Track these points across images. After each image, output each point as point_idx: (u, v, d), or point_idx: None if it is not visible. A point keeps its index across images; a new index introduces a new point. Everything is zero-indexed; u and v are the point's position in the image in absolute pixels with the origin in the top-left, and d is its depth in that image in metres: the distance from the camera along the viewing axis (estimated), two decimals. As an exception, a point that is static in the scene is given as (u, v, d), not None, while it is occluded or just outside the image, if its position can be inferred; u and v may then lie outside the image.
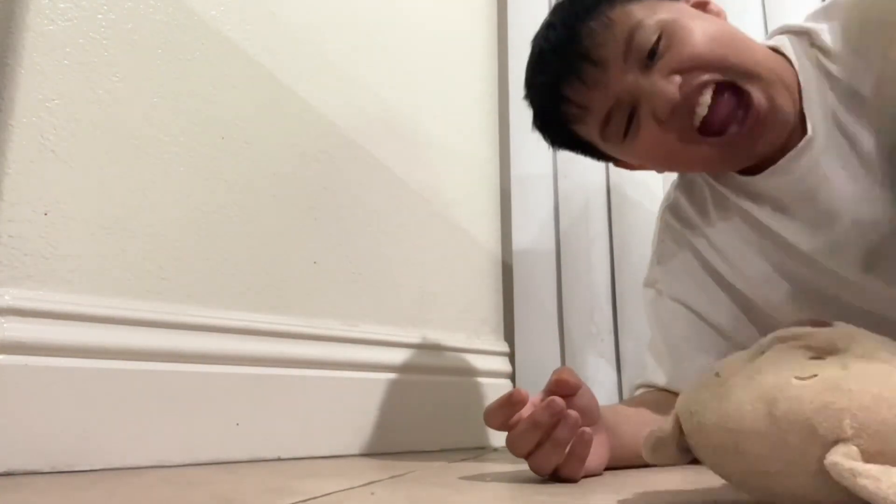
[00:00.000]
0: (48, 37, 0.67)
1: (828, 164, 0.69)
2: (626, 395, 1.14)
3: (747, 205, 0.76)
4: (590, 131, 0.74)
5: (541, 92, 0.77)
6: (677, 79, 0.65)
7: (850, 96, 0.67)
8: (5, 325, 0.59)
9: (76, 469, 0.61)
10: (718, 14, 0.73)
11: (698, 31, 0.67)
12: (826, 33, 0.69)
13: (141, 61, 0.75)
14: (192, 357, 0.73)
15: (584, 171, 1.26)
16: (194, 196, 0.78)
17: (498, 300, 1.33)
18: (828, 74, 0.69)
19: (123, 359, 0.67)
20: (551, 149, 0.84)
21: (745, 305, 0.80)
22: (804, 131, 0.69)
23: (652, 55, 0.67)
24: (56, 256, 0.65)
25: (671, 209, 0.86)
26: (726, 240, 0.80)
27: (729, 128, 0.66)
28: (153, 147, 0.75)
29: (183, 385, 0.71)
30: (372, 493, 0.50)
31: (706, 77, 0.65)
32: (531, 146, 1.33)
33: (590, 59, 0.69)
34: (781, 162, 0.70)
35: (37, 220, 0.64)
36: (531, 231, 1.30)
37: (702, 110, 0.65)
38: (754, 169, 0.73)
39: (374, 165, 1.06)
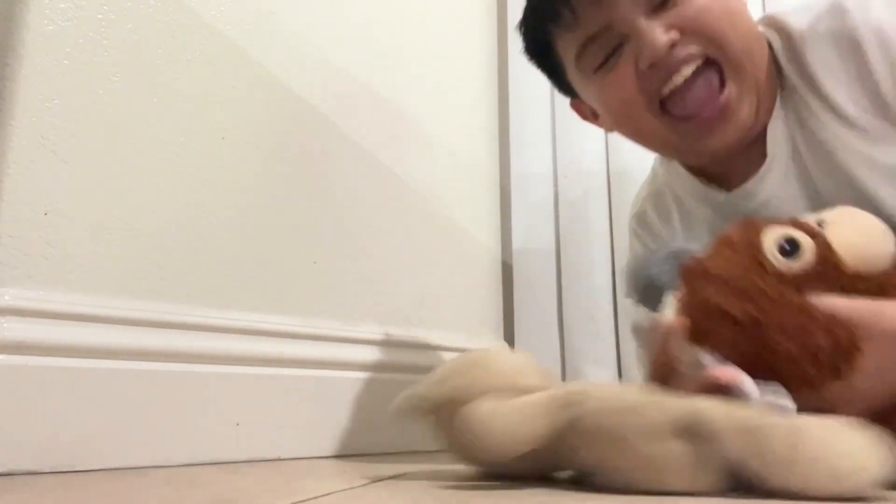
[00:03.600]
0: (48, 37, 0.67)
1: (788, 193, 0.68)
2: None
3: (711, 218, 0.76)
4: (567, 47, 0.70)
5: None
6: (674, 35, 0.63)
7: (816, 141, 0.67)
8: (5, 325, 0.59)
9: (76, 469, 0.61)
10: None
11: (717, 4, 0.64)
12: (811, 49, 0.67)
13: (141, 61, 0.75)
14: (192, 357, 0.73)
15: (584, 170, 1.26)
16: (194, 196, 0.78)
17: (498, 300, 1.33)
18: (803, 100, 0.67)
19: (123, 359, 0.67)
20: (525, 55, 0.78)
21: None
22: (764, 152, 0.68)
23: (663, 3, 0.64)
24: (56, 256, 0.65)
25: (637, 218, 0.86)
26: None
27: (691, 117, 0.65)
28: (153, 147, 0.75)
29: (183, 385, 0.71)
30: (373, 494, 0.50)
31: (698, 48, 0.63)
32: (531, 146, 1.33)
33: None
34: (748, 185, 0.70)
35: (37, 220, 0.64)
36: (531, 231, 1.30)
37: (678, 79, 0.64)
38: (720, 183, 0.73)
39: (375, 165, 1.06)
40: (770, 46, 0.69)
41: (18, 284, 0.62)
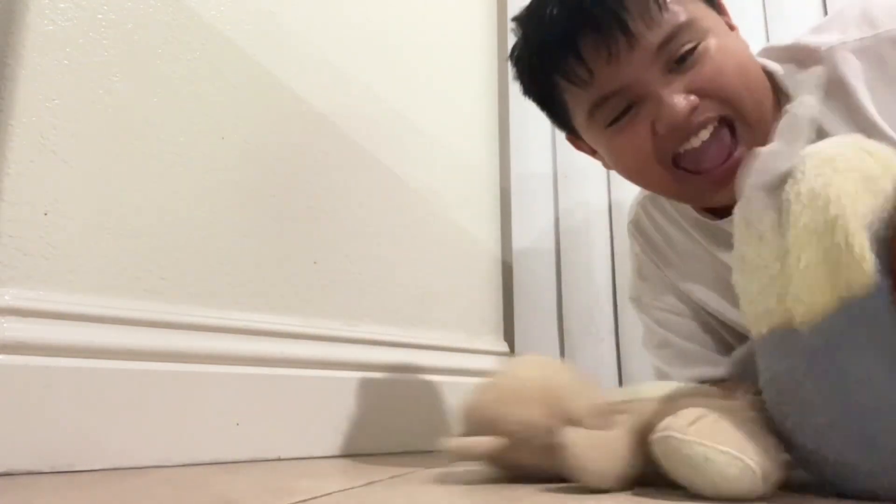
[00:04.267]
0: (48, 37, 0.67)
1: None
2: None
3: (705, 240, 0.77)
4: (578, 101, 0.69)
5: (551, 26, 0.66)
6: (693, 99, 0.62)
7: None
8: (5, 325, 0.59)
9: (76, 469, 0.61)
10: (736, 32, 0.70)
11: (731, 60, 0.64)
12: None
13: (141, 61, 0.75)
14: (192, 357, 0.73)
15: (584, 170, 1.26)
16: (194, 196, 0.78)
17: (498, 300, 1.33)
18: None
19: (123, 359, 0.67)
20: (522, 90, 0.76)
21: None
22: None
23: (681, 61, 0.63)
24: (56, 256, 0.65)
25: (634, 224, 0.87)
26: (683, 261, 0.81)
27: (703, 173, 0.65)
28: (153, 147, 0.75)
29: (183, 385, 0.71)
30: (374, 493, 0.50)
31: (715, 111, 0.63)
32: (531, 146, 1.33)
33: (627, 28, 0.62)
34: None
35: (37, 220, 0.64)
36: (531, 231, 1.30)
37: (695, 142, 0.64)
38: (716, 210, 0.73)
39: (375, 165, 1.06)
40: (775, 79, 0.68)
41: (18, 284, 0.62)
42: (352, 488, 0.52)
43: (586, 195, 1.25)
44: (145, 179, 0.74)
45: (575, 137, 0.77)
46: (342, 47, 1.03)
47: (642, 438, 0.49)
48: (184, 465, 0.69)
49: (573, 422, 0.52)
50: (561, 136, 1.30)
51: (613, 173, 1.24)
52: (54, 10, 0.67)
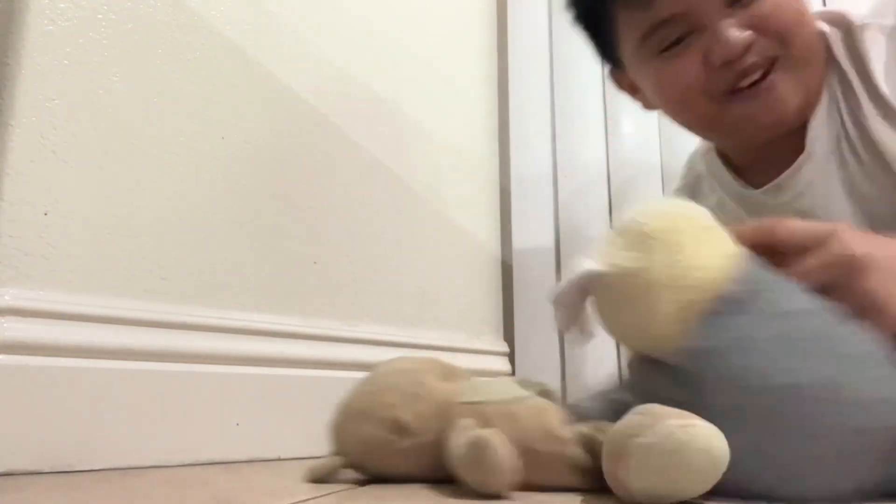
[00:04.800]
0: (48, 37, 0.66)
1: (827, 185, 0.68)
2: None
3: (749, 216, 0.76)
4: (632, 25, 0.68)
5: None
6: (749, 35, 0.62)
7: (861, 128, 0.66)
8: (5, 325, 0.59)
9: (76, 469, 0.61)
10: None
11: (792, 3, 0.64)
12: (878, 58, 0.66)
13: (141, 61, 0.75)
14: (192, 357, 0.73)
15: (584, 170, 1.26)
16: (194, 196, 0.78)
17: (498, 300, 1.33)
18: (851, 98, 0.67)
19: (123, 359, 0.67)
20: (573, 16, 0.75)
21: None
22: (801, 146, 0.68)
23: None
24: (56, 256, 0.65)
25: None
26: None
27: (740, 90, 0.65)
28: (153, 147, 0.75)
29: (183, 385, 0.71)
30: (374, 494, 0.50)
31: (768, 50, 0.63)
32: (531, 146, 1.33)
33: None
34: (780, 179, 0.70)
35: (37, 220, 0.64)
36: (531, 231, 1.30)
37: (745, 82, 0.64)
38: (750, 179, 0.74)
39: (375, 165, 1.06)
40: (827, 40, 0.69)
41: (18, 284, 0.62)
42: (352, 488, 0.52)
43: (586, 195, 1.25)
44: (145, 179, 0.74)
45: (618, 72, 0.76)
46: (342, 47, 1.03)
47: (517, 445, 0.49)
48: (184, 465, 0.69)
49: (408, 430, 0.53)
50: (561, 136, 1.31)
51: (613, 174, 1.25)
52: (54, 10, 0.67)
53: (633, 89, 0.76)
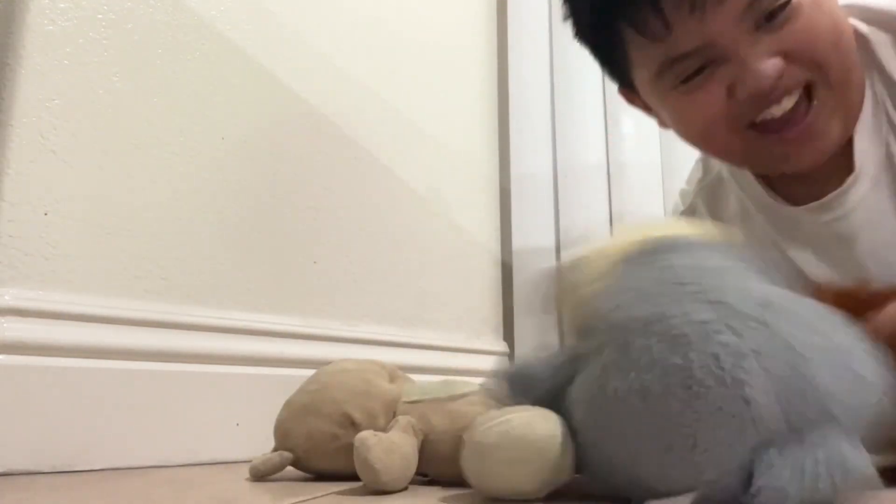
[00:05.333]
0: (48, 37, 0.67)
1: (878, 205, 0.62)
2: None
3: (774, 232, 0.70)
4: (646, 57, 0.60)
5: None
6: (779, 64, 0.55)
7: None
8: (5, 325, 0.59)
9: (76, 469, 0.61)
10: None
11: (825, 19, 0.56)
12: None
13: (141, 61, 0.75)
14: (192, 357, 0.73)
15: (584, 170, 1.26)
16: (194, 196, 0.78)
17: (498, 300, 1.33)
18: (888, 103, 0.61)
19: (123, 359, 0.67)
20: (573, 32, 0.66)
21: None
22: (850, 164, 0.62)
23: (770, 17, 0.55)
24: (56, 256, 0.65)
25: (689, 213, 0.79)
26: None
27: (773, 133, 0.58)
28: (153, 147, 0.75)
29: (183, 385, 0.71)
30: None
31: (802, 76, 0.56)
32: (531, 146, 1.33)
33: None
34: (826, 199, 0.63)
35: (37, 220, 0.64)
36: (531, 231, 1.30)
37: (775, 112, 0.57)
38: (787, 195, 0.67)
39: (375, 165, 1.06)
40: (869, 44, 0.62)
41: (18, 284, 0.62)
42: (352, 488, 0.52)
43: (586, 195, 1.25)
44: (145, 180, 0.74)
45: (629, 91, 0.68)
46: (342, 48, 1.03)
47: (424, 440, 0.53)
48: (184, 465, 0.69)
49: (356, 426, 0.55)
50: (561, 136, 1.31)
51: (613, 174, 1.25)
52: (54, 10, 0.67)
53: (646, 108, 0.69)
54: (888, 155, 0.62)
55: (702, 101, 0.59)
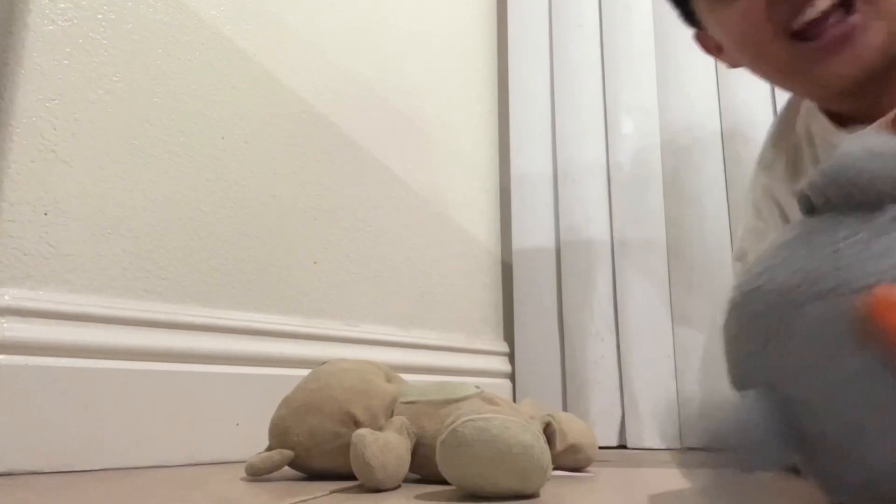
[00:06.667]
0: (48, 37, 0.67)
1: None
2: (627, 393, 1.13)
3: None
4: None
5: None
6: None
7: None
8: (5, 325, 0.59)
9: (76, 469, 0.61)
10: None
11: None
12: None
13: (141, 61, 0.75)
14: (192, 357, 0.73)
15: (584, 170, 1.26)
16: (194, 196, 0.78)
17: (498, 300, 1.33)
18: None
19: (123, 359, 0.67)
20: None
21: None
22: None
23: None
24: (56, 256, 0.65)
25: (765, 169, 0.80)
26: None
27: (816, 39, 0.60)
28: (153, 147, 0.75)
29: (183, 385, 0.71)
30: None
31: None
32: (531, 146, 1.33)
33: None
34: (880, 120, 0.62)
35: (37, 220, 0.64)
36: (531, 231, 1.30)
37: (811, 13, 0.59)
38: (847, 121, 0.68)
39: (374, 165, 1.06)
40: None
41: (18, 284, 0.62)
42: (352, 488, 0.52)
43: (586, 195, 1.25)
44: (145, 179, 0.74)
45: (701, 33, 0.74)
46: (342, 47, 1.03)
47: (417, 442, 0.54)
48: (184, 465, 0.69)
49: (358, 424, 0.55)
50: (561, 136, 1.31)
51: (613, 173, 1.24)
52: (54, 10, 0.67)
53: (717, 49, 0.73)
54: None
55: (743, 9, 0.62)
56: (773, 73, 0.70)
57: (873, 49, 0.59)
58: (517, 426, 0.45)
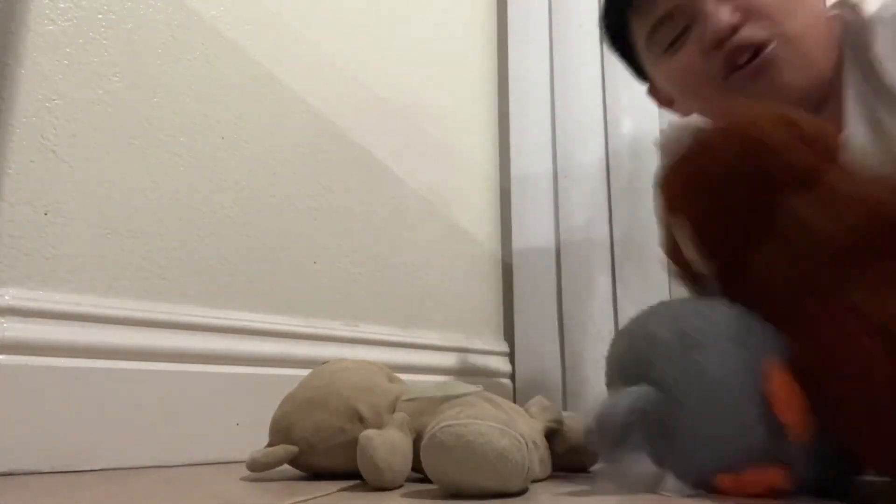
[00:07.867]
0: (48, 37, 0.67)
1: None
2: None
3: None
4: (640, 30, 0.75)
5: None
6: (738, 17, 0.67)
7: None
8: (5, 325, 0.59)
9: (76, 469, 0.61)
10: None
11: None
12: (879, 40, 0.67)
13: (141, 61, 0.75)
14: (192, 357, 0.73)
15: (584, 170, 1.26)
16: (194, 196, 0.78)
17: (498, 300, 1.33)
18: (875, 78, 0.68)
19: (123, 359, 0.67)
20: (609, 45, 0.82)
21: None
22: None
23: None
24: (56, 256, 0.65)
25: None
26: None
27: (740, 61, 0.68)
28: (153, 147, 0.75)
29: (183, 385, 0.71)
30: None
31: (758, 33, 0.66)
32: (531, 146, 1.33)
33: None
34: None
35: (37, 220, 0.64)
36: (531, 231, 1.30)
37: (740, 60, 0.67)
38: None
39: (374, 165, 1.06)
40: (841, 22, 0.71)
41: (18, 284, 0.62)
42: (352, 488, 0.52)
43: (586, 195, 1.25)
44: (145, 179, 0.74)
45: (655, 89, 0.81)
46: (342, 47, 1.03)
47: (416, 438, 0.54)
48: (184, 465, 0.69)
49: (363, 421, 0.56)
50: (561, 136, 1.31)
51: (613, 173, 1.24)
52: (54, 10, 0.67)
53: (668, 102, 0.81)
54: (874, 122, 0.68)
55: (682, 61, 0.71)
56: (714, 114, 0.76)
57: (789, 80, 0.68)
58: (493, 431, 0.45)
